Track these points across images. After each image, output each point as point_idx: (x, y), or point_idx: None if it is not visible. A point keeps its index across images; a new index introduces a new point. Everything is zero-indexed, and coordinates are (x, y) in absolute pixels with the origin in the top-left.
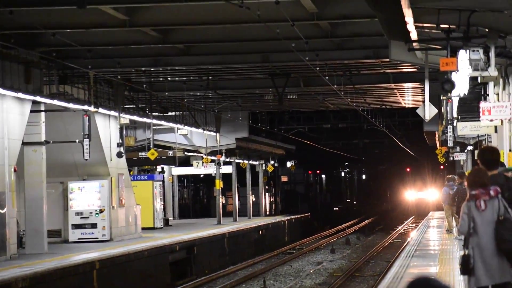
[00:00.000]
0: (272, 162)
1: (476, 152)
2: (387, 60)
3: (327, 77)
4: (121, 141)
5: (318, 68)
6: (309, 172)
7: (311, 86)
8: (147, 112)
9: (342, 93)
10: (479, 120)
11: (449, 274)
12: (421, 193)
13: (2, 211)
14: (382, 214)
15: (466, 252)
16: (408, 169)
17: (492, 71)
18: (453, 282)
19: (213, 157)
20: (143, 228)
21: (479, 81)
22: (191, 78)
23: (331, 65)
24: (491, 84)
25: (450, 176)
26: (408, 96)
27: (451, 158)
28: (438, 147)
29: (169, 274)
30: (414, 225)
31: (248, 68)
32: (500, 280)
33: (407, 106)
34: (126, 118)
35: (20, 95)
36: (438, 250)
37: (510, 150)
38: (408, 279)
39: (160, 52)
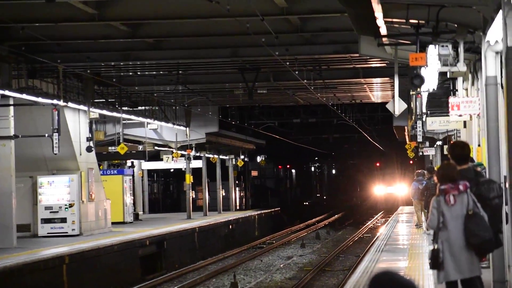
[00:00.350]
0: (242, 156)
1: (445, 147)
2: (357, 55)
3: (297, 72)
4: (90, 136)
5: (288, 63)
6: (279, 166)
7: (281, 81)
8: (116, 106)
9: (312, 88)
10: (448, 115)
11: (418, 269)
12: (390, 188)
13: None
14: (352, 208)
15: (436, 247)
16: (377, 164)
17: (461, 67)
18: (422, 276)
19: (183, 152)
20: (113, 223)
21: (448, 76)
22: (161, 72)
23: (301, 60)
24: (460, 80)
25: (419, 171)
26: (377, 91)
27: (420, 153)
28: (408, 142)
29: (139, 269)
30: (383, 219)
31: (218, 62)
32: (469, 275)
33: (376, 101)
34: (95, 112)
35: None
36: (408, 244)
37: (478, 145)
38: (371, 273)
39: (129, 46)
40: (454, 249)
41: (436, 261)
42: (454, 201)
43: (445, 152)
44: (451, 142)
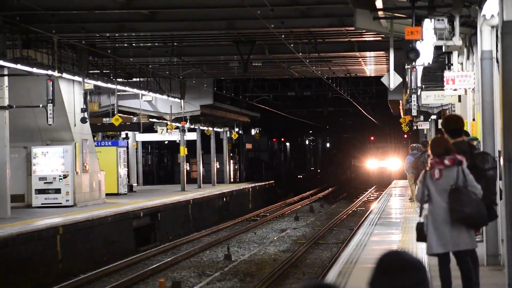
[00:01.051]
0: (236, 129)
1: (440, 121)
2: (352, 28)
3: (292, 45)
4: (85, 107)
5: (283, 36)
6: (274, 140)
7: (276, 53)
8: (111, 77)
9: (307, 61)
10: (443, 90)
11: (412, 242)
12: (383, 162)
13: None
14: (346, 182)
15: (421, 220)
16: (371, 138)
17: (457, 41)
18: (415, 249)
19: (177, 124)
20: (107, 194)
21: (443, 50)
22: (156, 44)
23: (296, 32)
24: (455, 54)
25: (414, 144)
26: (372, 65)
27: (415, 127)
28: (402, 116)
29: (133, 240)
30: (377, 193)
31: (213, 35)
32: (453, 249)
33: (371, 75)
34: (90, 83)
35: None
36: (401, 218)
37: (473, 120)
38: (378, 253)
39: (124, 17)
40: (437, 222)
41: (420, 234)
42: (440, 175)
43: (440, 126)
44: (445, 116)
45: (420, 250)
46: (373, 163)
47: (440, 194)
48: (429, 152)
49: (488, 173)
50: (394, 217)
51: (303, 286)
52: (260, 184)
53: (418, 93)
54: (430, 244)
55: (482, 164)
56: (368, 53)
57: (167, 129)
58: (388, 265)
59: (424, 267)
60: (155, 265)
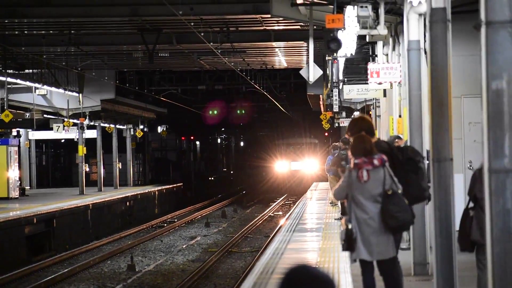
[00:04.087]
0: (141, 126)
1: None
2: (268, 16)
3: (202, 34)
4: None
5: (192, 24)
6: (182, 138)
7: (184, 43)
8: (0, 68)
9: (219, 51)
10: (367, 83)
11: (333, 250)
12: (298, 164)
13: None
14: (262, 184)
15: (349, 226)
16: (288, 136)
17: (382, 30)
18: (338, 258)
19: (75, 120)
20: None
21: (367, 40)
22: (51, 31)
23: (207, 20)
24: (380, 44)
25: (336, 143)
26: (290, 56)
27: (337, 124)
28: (323, 112)
29: (25, 249)
30: (296, 196)
31: (115, 22)
32: (378, 257)
33: (289, 66)
34: None
35: None
36: (321, 223)
37: (399, 116)
38: (285, 266)
39: (15, 1)
40: (364, 229)
41: (350, 243)
42: (368, 177)
43: (351, 128)
44: (354, 117)
45: (343, 259)
46: (283, 165)
47: (367, 199)
48: (350, 152)
49: (422, 164)
50: (314, 222)
51: None
52: (167, 186)
53: (340, 87)
54: (359, 249)
55: (415, 155)
56: (285, 43)
57: (64, 126)
58: (295, 280)
59: (333, 282)
60: (49, 277)
